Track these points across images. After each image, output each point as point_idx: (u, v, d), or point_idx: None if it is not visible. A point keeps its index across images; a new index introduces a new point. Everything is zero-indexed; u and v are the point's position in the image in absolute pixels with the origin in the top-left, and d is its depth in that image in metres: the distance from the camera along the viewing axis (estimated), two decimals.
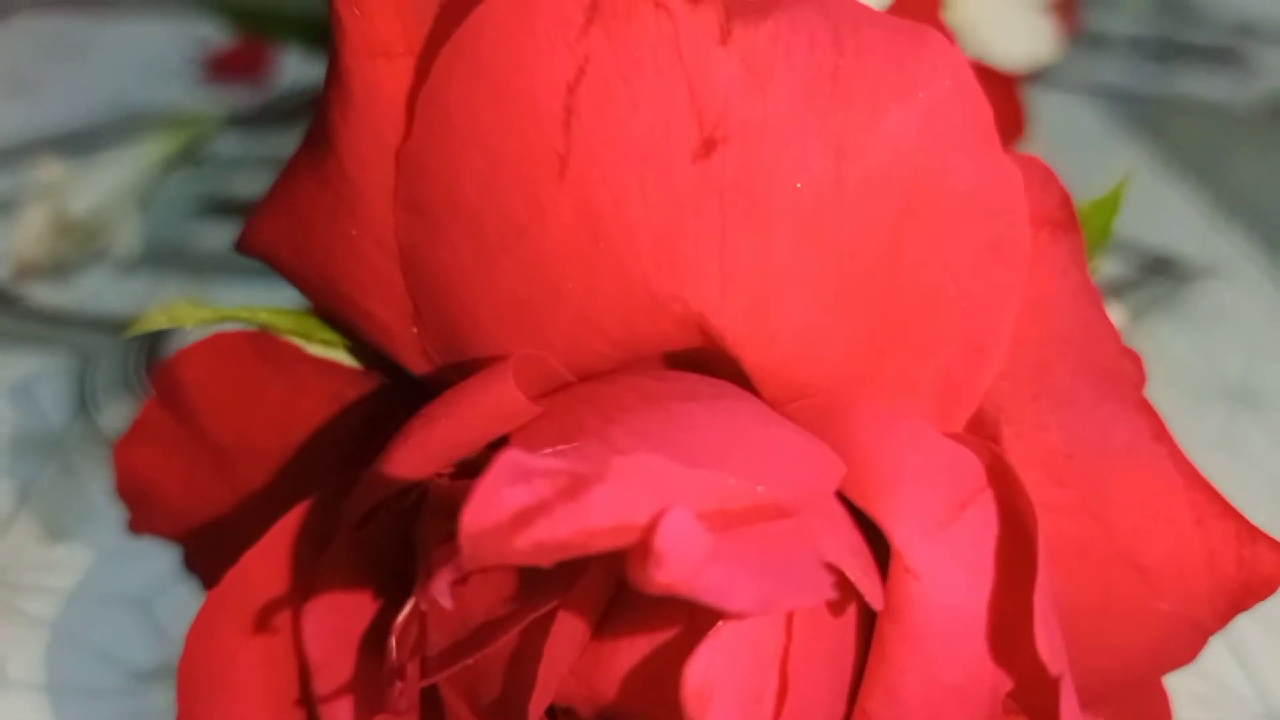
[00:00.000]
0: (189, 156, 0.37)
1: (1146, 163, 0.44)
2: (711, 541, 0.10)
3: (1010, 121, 0.30)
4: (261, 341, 0.15)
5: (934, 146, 0.12)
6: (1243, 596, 0.14)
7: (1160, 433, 0.14)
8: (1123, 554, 0.13)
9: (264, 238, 0.15)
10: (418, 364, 0.14)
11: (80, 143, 0.39)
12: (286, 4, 0.45)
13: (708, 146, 0.12)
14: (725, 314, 0.12)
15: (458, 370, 0.13)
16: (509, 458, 0.10)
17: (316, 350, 0.15)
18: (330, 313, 0.14)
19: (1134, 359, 0.15)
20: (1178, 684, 0.16)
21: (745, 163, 0.12)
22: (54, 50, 0.47)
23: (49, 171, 0.31)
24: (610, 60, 0.12)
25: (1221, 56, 0.58)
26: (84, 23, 0.50)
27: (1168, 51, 0.59)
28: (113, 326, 0.29)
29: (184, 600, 0.19)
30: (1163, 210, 0.40)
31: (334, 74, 0.13)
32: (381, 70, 0.13)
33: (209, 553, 0.16)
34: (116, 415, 0.25)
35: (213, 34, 0.49)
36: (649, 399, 0.12)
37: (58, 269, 0.30)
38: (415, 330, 0.14)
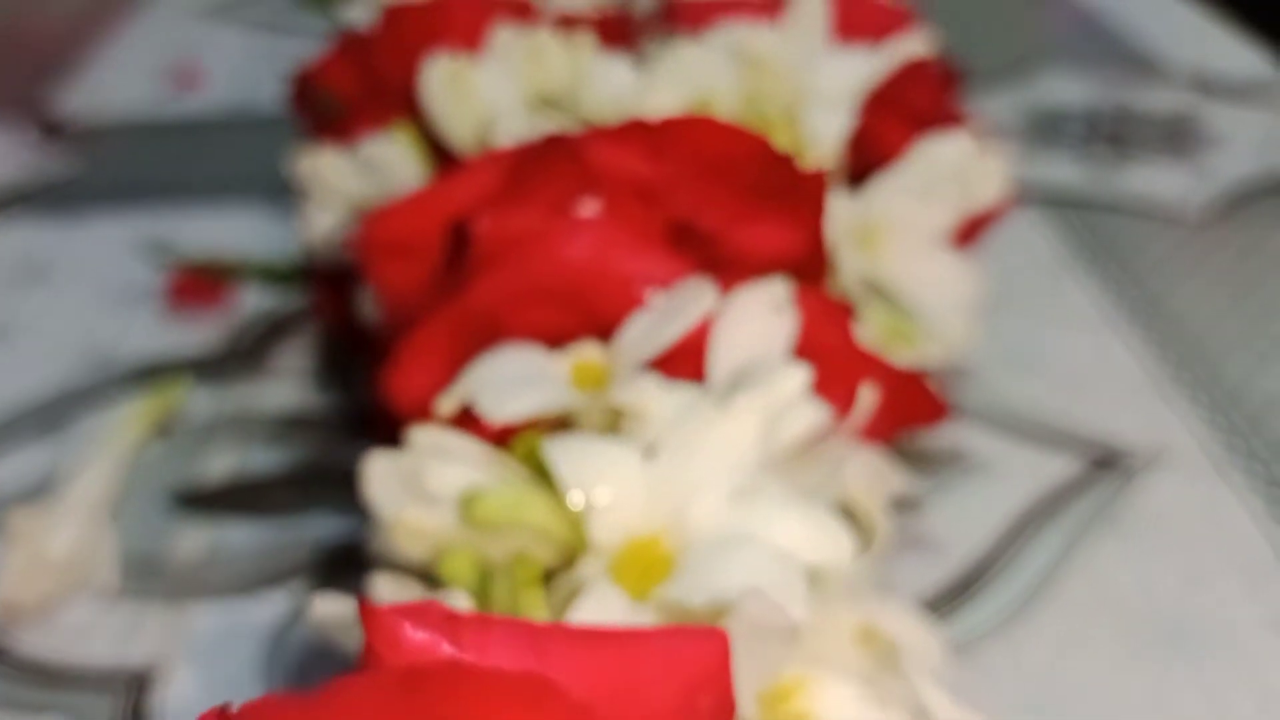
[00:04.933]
0: (160, 429, 0.39)
1: (1095, 301, 0.45)
2: None
3: (928, 411, 0.31)
4: None
5: None
6: None
7: None
8: None
9: None
10: None
11: (55, 413, 0.40)
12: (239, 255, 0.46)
13: None
14: None
15: None
16: None
17: None
18: None
19: None
20: None
21: None
22: (20, 273, 0.48)
23: (22, 518, 0.32)
24: None
25: (1176, 133, 0.58)
26: (46, 236, 0.51)
27: (1122, 128, 0.59)
28: (100, 678, 0.30)
29: None
30: (1111, 370, 0.41)
31: None
32: None
33: None
34: None
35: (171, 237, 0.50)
36: None
37: (41, 609, 0.32)
38: None
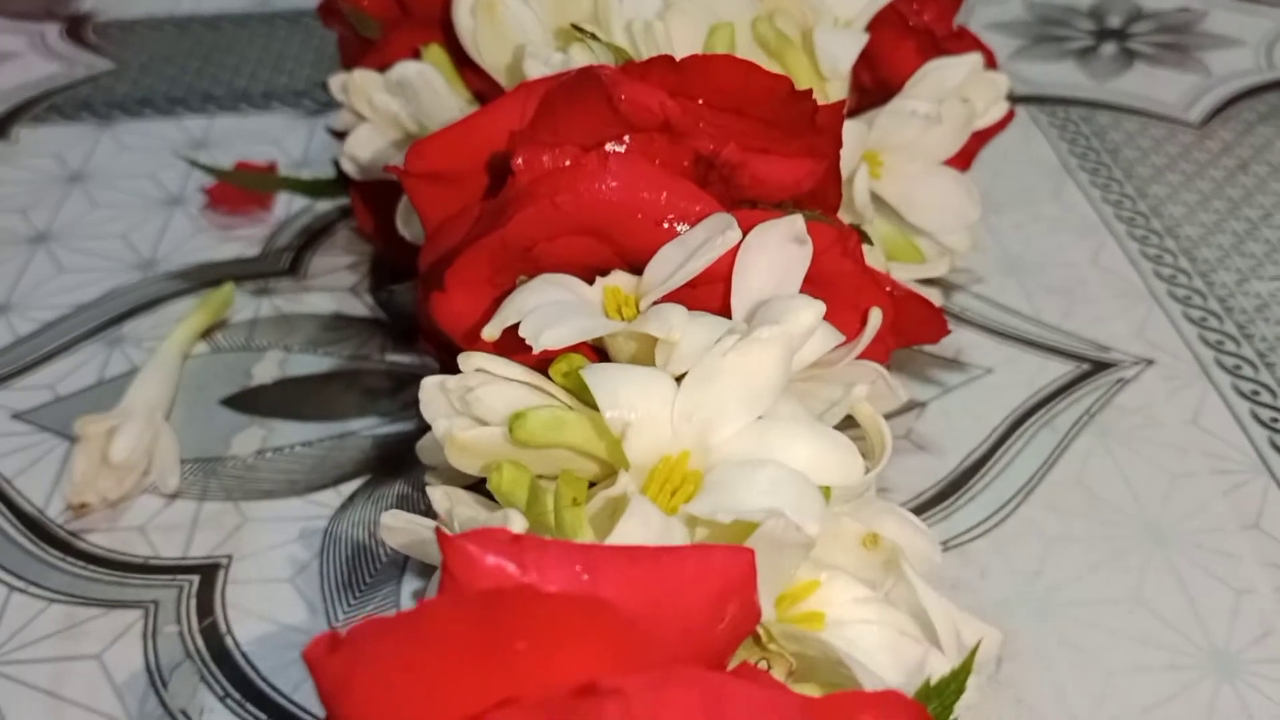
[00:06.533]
0: (209, 334, 0.41)
1: (1096, 207, 0.47)
2: None
3: (930, 329, 0.33)
4: None
5: None
6: None
7: None
8: None
9: None
10: None
11: (105, 316, 0.42)
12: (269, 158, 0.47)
13: None
14: None
15: None
16: None
17: None
18: None
19: None
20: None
21: None
22: (53, 178, 0.50)
23: (88, 423, 0.34)
24: None
25: (1181, 34, 0.59)
26: (77, 139, 0.53)
27: (1128, 28, 0.60)
28: (165, 572, 0.33)
29: None
30: (1106, 276, 0.43)
31: None
32: None
33: None
34: (181, 692, 0.30)
35: (200, 139, 0.51)
36: None
37: (107, 506, 0.35)
38: None
